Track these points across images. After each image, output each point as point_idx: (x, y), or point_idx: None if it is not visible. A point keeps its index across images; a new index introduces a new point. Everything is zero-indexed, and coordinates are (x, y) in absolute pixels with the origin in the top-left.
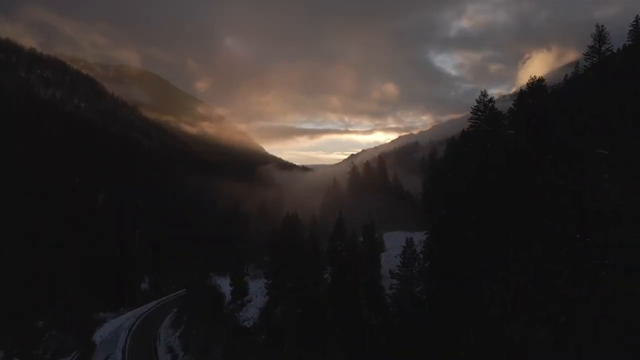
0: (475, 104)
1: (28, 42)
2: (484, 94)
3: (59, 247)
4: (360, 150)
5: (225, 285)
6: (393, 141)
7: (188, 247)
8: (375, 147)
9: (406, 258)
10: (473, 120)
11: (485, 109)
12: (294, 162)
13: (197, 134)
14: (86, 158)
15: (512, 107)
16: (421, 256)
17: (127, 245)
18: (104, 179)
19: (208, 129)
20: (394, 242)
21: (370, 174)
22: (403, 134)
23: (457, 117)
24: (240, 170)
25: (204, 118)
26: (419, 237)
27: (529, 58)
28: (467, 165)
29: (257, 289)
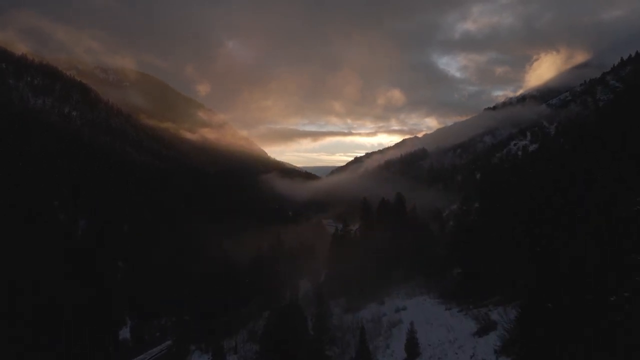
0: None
1: (21, 48)
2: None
3: (22, 292)
4: (364, 152)
5: None
6: (398, 145)
7: (179, 282)
8: (380, 151)
9: None
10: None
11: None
12: (297, 165)
13: (196, 141)
14: (69, 176)
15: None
16: None
17: (106, 282)
18: (86, 200)
19: (208, 134)
20: (426, 329)
21: (386, 212)
22: (407, 136)
23: (462, 119)
24: (240, 181)
25: (204, 124)
26: (461, 327)
27: (536, 60)
28: None
29: None
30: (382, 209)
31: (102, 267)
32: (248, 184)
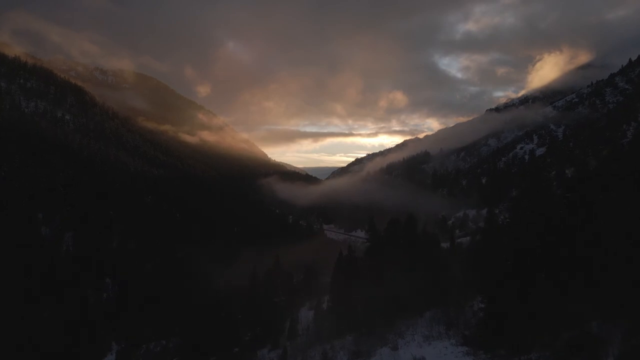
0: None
1: (18, 50)
2: None
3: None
4: (365, 153)
5: None
6: (399, 146)
7: (171, 301)
8: (382, 152)
9: None
10: None
11: None
12: (298, 166)
13: (196, 144)
14: (55, 186)
15: None
16: None
17: (91, 303)
18: (74, 212)
19: (208, 137)
20: None
21: (396, 234)
22: (408, 137)
23: (463, 119)
24: (239, 185)
25: (204, 126)
26: None
27: (539, 60)
28: None
29: None
30: (391, 230)
31: (87, 286)
32: (248, 188)
